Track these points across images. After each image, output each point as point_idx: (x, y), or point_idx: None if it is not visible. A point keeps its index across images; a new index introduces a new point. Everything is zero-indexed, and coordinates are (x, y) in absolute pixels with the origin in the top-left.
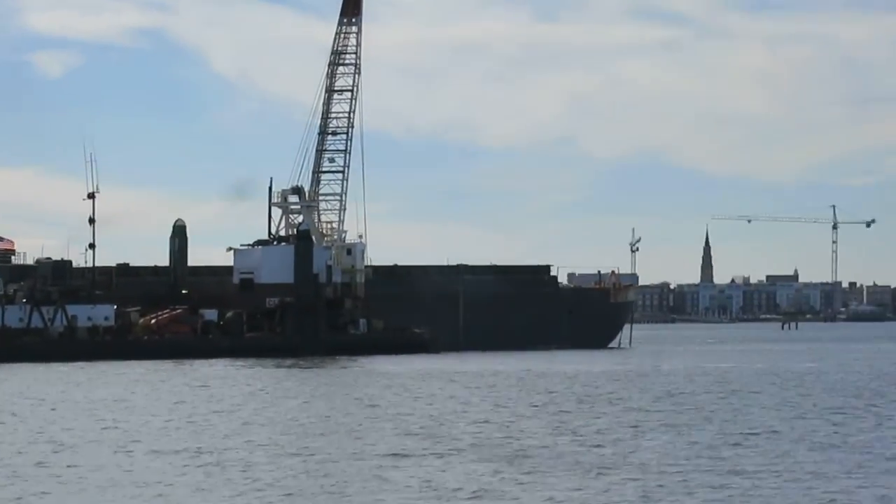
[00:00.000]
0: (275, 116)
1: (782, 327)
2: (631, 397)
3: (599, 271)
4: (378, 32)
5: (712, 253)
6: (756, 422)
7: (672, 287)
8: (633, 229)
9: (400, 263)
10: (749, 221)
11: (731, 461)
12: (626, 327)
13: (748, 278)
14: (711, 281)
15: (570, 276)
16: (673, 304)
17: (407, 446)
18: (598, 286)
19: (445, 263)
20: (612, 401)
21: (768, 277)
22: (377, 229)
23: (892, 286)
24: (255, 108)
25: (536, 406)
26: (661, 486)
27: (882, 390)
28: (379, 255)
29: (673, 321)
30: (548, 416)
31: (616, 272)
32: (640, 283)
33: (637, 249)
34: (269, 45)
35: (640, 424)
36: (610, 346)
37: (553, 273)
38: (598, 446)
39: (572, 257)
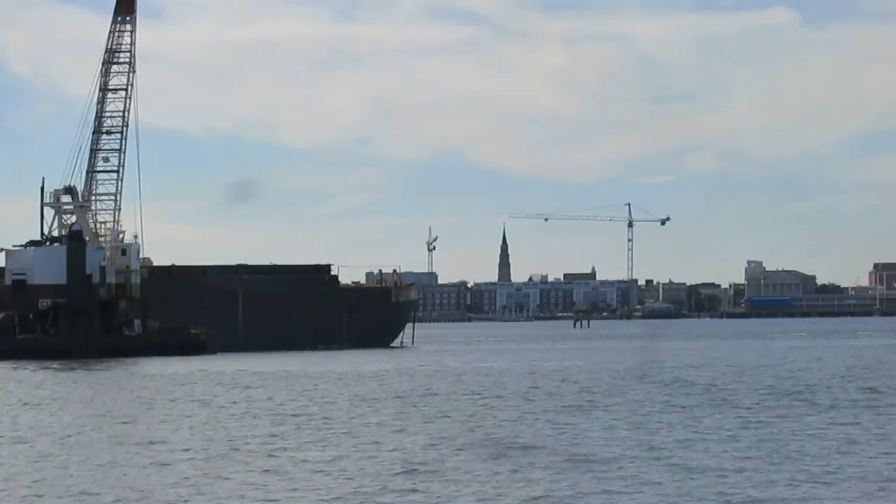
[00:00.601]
0: (66, 118)
1: (574, 325)
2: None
3: (380, 270)
4: (176, 32)
5: (510, 251)
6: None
7: (470, 286)
8: (430, 228)
9: (184, 263)
10: (546, 220)
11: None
12: (409, 326)
13: (546, 276)
14: (509, 279)
15: (369, 275)
16: (470, 303)
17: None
18: (379, 285)
19: (228, 263)
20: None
21: (565, 275)
22: (170, 230)
23: (688, 283)
24: (50, 108)
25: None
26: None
27: (615, 389)
28: (174, 255)
29: (470, 320)
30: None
31: (397, 271)
32: (439, 281)
33: (434, 248)
34: (64, 44)
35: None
36: (392, 345)
37: (334, 272)
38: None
39: (369, 257)
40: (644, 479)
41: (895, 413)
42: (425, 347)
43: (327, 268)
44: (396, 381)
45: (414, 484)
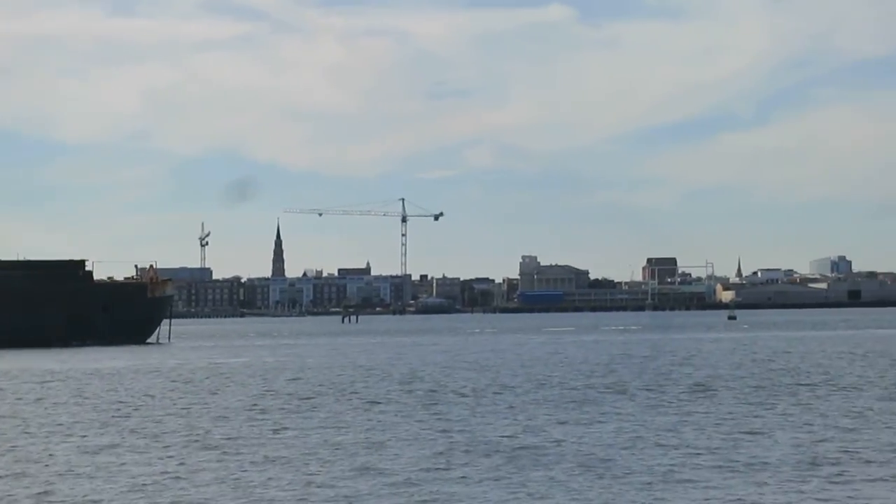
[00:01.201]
0: None
1: (343, 320)
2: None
3: (136, 265)
4: None
5: (284, 247)
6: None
7: (243, 281)
8: (203, 223)
9: None
10: (320, 215)
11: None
12: (166, 322)
13: (321, 272)
14: (283, 275)
15: (142, 271)
16: (244, 298)
17: None
18: (134, 280)
19: None
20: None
21: (340, 271)
22: None
23: (461, 278)
24: None
25: None
26: None
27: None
28: None
29: (243, 315)
30: None
31: (154, 266)
32: (214, 277)
33: (206, 244)
34: None
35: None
36: (148, 341)
37: (89, 268)
38: None
39: (142, 253)
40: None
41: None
42: (180, 344)
43: (81, 263)
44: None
45: None
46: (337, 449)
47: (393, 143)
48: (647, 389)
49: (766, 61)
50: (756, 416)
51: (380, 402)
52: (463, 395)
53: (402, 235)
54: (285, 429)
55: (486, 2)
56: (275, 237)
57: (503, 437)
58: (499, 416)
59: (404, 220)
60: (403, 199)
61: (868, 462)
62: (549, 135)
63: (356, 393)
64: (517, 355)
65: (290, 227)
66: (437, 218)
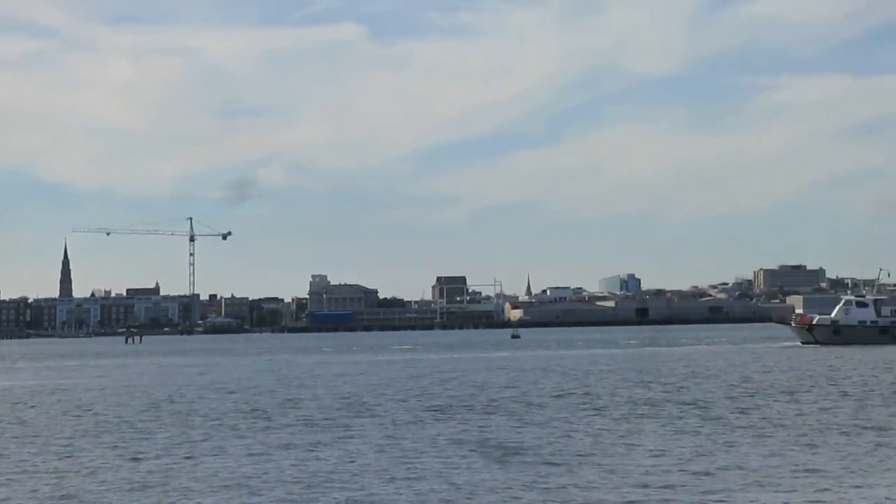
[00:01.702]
0: None
1: (126, 341)
2: None
3: None
4: None
5: (72, 267)
6: None
7: (30, 301)
8: None
9: None
10: (108, 234)
11: None
12: None
13: (109, 292)
14: (70, 295)
15: None
16: (30, 319)
17: None
18: None
19: None
20: None
21: (128, 291)
22: None
23: (250, 298)
24: None
25: None
26: None
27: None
28: None
29: (29, 336)
30: None
31: None
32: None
33: None
34: None
35: None
36: None
37: None
38: None
39: None
40: None
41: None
42: None
43: None
44: None
45: None
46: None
47: (183, 161)
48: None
49: (556, 80)
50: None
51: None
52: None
53: (191, 255)
54: None
55: (279, 20)
56: (62, 257)
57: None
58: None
59: (192, 239)
60: (191, 219)
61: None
62: (340, 153)
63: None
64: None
65: (79, 247)
66: (225, 237)
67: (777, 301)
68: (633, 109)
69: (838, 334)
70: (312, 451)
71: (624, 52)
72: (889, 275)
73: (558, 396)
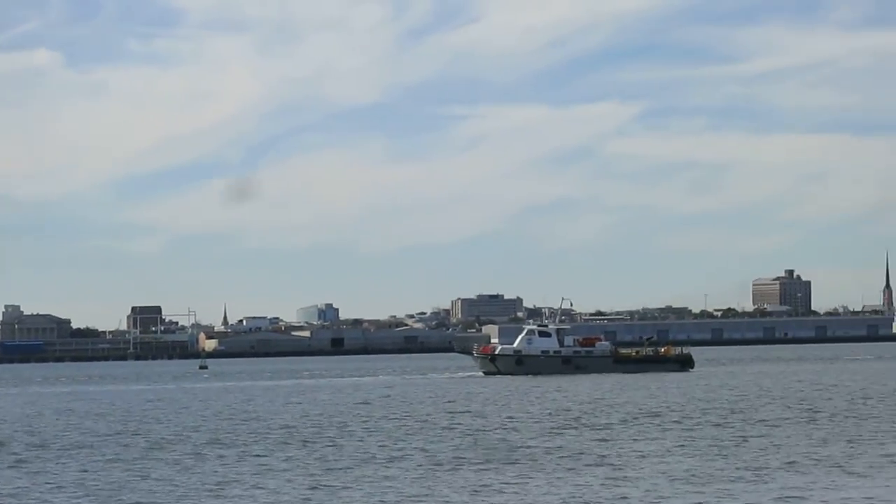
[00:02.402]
0: None
1: None
2: None
3: None
4: None
5: None
6: None
7: None
8: None
9: None
10: None
11: None
12: None
13: None
14: None
15: None
16: None
17: None
18: None
19: None
20: None
21: None
22: None
23: None
24: None
25: None
26: None
27: None
28: None
29: None
30: None
31: None
32: None
33: None
34: None
35: None
36: None
37: None
38: None
39: None
40: None
41: None
42: None
43: None
44: None
45: None
46: None
47: None
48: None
49: (255, 108)
50: None
51: None
52: None
53: None
54: None
55: None
56: None
57: None
58: None
59: None
60: None
61: None
62: (34, 182)
63: None
64: None
65: None
66: None
67: (473, 330)
68: (333, 138)
69: (521, 364)
70: None
71: (323, 80)
72: (571, 304)
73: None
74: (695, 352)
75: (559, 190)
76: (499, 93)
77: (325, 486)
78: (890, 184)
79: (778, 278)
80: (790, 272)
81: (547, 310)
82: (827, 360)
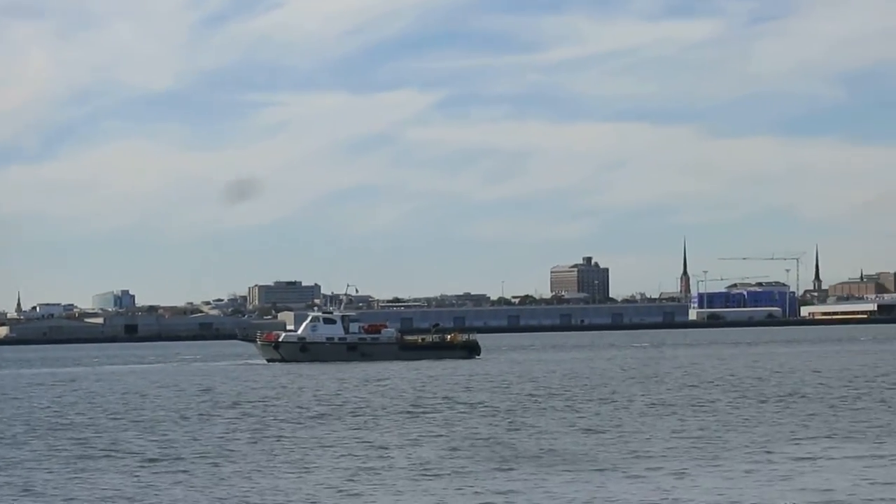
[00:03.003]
0: None
1: None
2: None
3: None
4: None
5: None
6: None
7: None
8: None
9: None
10: None
11: None
12: None
13: None
14: None
15: None
16: None
17: None
18: None
19: None
20: None
21: None
22: None
23: None
24: None
25: None
26: None
27: None
28: None
29: None
30: None
31: None
32: None
33: None
34: None
35: None
36: None
37: None
38: None
39: None
40: None
41: None
42: None
43: None
44: None
45: None
46: None
47: None
48: None
49: (52, 94)
50: None
51: None
52: None
53: None
54: None
55: None
56: None
57: None
58: None
59: None
60: None
61: None
62: None
63: None
64: None
65: None
66: None
67: (269, 317)
68: (131, 125)
69: (305, 351)
70: None
71: (121, 66)
72: (357, 290)
73: None
74: (491, 339)
75: (359, 177)
76: (299, 80)
77: None
78: (688, 172)
79: (576, 265)
80: (588, 259)
81: (344, 297)
82: (615, 346)
